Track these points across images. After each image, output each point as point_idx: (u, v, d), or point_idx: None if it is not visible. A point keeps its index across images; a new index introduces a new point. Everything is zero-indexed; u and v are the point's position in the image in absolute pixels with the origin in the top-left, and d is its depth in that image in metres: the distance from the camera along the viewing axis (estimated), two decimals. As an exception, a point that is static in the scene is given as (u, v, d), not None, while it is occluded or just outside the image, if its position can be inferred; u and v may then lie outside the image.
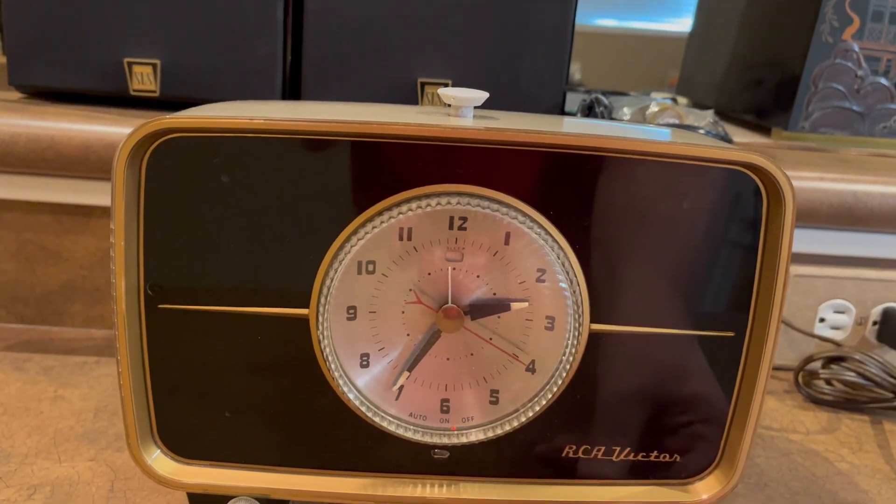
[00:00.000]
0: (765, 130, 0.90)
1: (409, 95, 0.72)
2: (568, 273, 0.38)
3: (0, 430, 0.53)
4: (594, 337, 0.39)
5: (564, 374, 0.39)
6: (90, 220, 0.69)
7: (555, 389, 0.40)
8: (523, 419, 0.40)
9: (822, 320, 0.73)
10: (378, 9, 0.70)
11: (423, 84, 0.72)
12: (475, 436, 0.41)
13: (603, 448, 0.41)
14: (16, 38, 0.69)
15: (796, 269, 0.71)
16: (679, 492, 0.42)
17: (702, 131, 0.74)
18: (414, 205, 0.37)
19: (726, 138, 0.76)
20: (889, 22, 0.80)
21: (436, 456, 0.41)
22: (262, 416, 0.40)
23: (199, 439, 0.41)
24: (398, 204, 0.37)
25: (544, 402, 0.40)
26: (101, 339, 0.70)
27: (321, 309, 0.38)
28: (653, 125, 0.75)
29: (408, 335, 0.39)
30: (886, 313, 0.72)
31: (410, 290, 0.38)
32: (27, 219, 0.69)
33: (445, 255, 0.38)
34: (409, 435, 0.40)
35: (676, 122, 0.77)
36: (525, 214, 0.37)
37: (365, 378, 0.40)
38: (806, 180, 0.69)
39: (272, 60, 0.70)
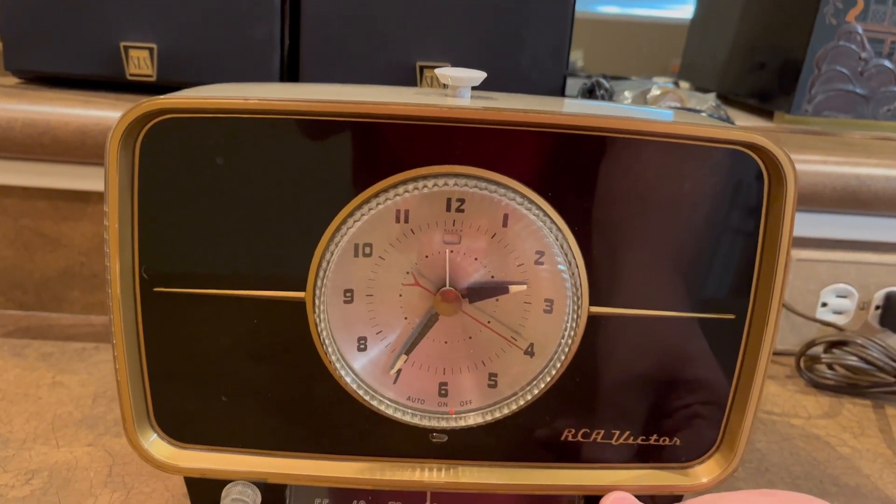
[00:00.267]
0: (767, 114, 0.89)
1: (408, 79, 0.72)
2: (567, 255, 0.38)
3: (-2, 415, 0.53)
4: (593, 320, 0.39)
5: (563, 358, 0.39)
6: (88, 206, 0.69)
7: (553, 373, 0.39)
8: (522, 403, 0.40)
9: (824, 305, 0.72)
10: (376, -8, 0.70)
11: (421, 68, 0.71)
12: (473, 419, 0.40)
13: (602, 431, 0.41)
14: (12, 22, 0.69)
15: (799, 254, 0.71)
16: (679, 475, 0.42)
17: (704, 114, 0.74)
18: (411, 186, 0.36)
19: (728, 121, 0.75)
20: (893, 3, 0.79)
21: (434, 439, 0.41)
22: (258, 401, 0.40)
23: (196, 423, 0.40)
24: (395, 185, 0.36)
25: (543, 386, 0.40)
26: (100, 325, 0.70)
27: (318, 292, 0.38)
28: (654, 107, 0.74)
29: (405, 318, 0.39)
30: (889, 297, 0.72)
31: (408, 272, 0.38)
32: (24, 205, 0.68)
33: (443, 238, 0.38)
34: (408, 419, 0.40)
35: (678, 105, 0.77)
36: (523, 196, 0.37)
37: (362, 361, 0.39)
38: (809, 164, 0.69)
39: (270, 44, 0.70)
